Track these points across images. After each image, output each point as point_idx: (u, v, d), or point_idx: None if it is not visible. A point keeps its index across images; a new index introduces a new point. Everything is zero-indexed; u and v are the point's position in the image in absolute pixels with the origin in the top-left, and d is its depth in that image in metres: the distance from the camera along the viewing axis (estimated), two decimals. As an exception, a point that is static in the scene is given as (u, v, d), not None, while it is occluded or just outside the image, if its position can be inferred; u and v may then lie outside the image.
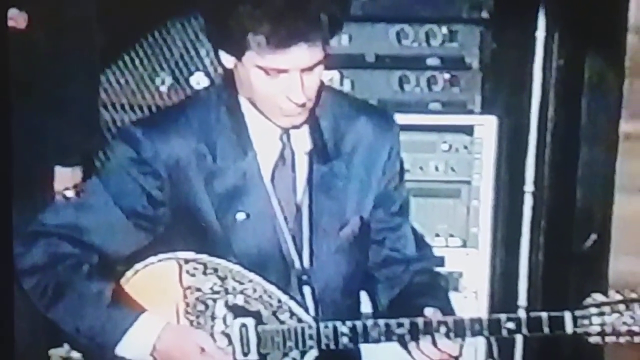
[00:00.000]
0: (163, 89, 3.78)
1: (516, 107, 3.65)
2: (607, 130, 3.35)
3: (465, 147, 3.55)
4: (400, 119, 2.55)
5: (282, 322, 2.37)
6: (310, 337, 2.34)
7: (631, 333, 2.28)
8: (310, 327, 2.35)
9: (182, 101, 2.67)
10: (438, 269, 2.59)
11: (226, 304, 2.37)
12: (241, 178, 2.39)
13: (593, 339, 2.29)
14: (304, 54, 2.26)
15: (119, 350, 2.36)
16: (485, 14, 3.56)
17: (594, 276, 3.24)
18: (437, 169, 3.57)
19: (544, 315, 2.29)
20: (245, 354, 2.36)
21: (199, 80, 3.73)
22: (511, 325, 2.30)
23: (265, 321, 2.37)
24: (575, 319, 2.28)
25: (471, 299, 3.55)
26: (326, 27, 2.27)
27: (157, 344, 2.35)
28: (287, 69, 2.27)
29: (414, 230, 2.56)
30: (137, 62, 3.77)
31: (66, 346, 3.56)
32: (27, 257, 2.37)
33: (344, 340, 2.33)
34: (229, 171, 2.39)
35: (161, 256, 2.40)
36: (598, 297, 2.30)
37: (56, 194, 3.37)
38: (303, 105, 2.32)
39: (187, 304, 2.38)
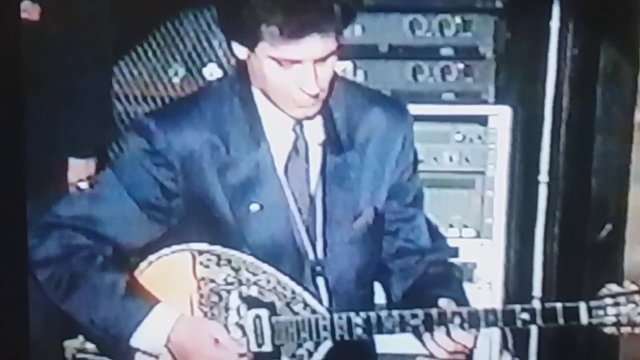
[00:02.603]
0: (176, 80, 3.77)
1: (530, 97, 3.63)
2: (622, 120, 3.34)
3: (480, 138, 3.54)
4: (414, 109, 2.54)
5: (296, 313, 2.36)
6: (324, 328, 2.34)
7: (646, 324, 2.27)
8: (324, 318, 2.34)
9: (195, 92, 2.66)
10: (452, 260, 2.58)
11: (240, 295, 2.37)
12: (254, 169, 2.39)
13: (608, 330, 2.28)
14: (317, 44, 2.25)
15: (133, 342, 2.36)
16: (499, 4, 3.55)
17: (609, 266, 3.24)
18: (451, 159, 3.56)
19: (558, 306, 2.28)
20: (259, 345, 2.36)
21: (212, 72, 3.72)
22: (526, 316, 2.29)
23: (279, 312, 2.36)
24: (590, 310, 2.27)
25: (485, 290, 3.54)
26: (339, 17, 2.26)
27: (171, 335, 2.35)
28: (300, 60, 2.26)
29: (428, 221, 2.55)
30: (150, 53, 3.77)
31: (81, 337, 3.58)
32: (41, 249, 2.37)
33: (358, 331, 2.33)
34: (242, 162, 2.39)
35: (175, 247, 2.40)
36: (613, 287, 2.29)
37: (70, 186, 3.37)
38: (316, 96, 2.32)
39: (201, 295, 2.38)
